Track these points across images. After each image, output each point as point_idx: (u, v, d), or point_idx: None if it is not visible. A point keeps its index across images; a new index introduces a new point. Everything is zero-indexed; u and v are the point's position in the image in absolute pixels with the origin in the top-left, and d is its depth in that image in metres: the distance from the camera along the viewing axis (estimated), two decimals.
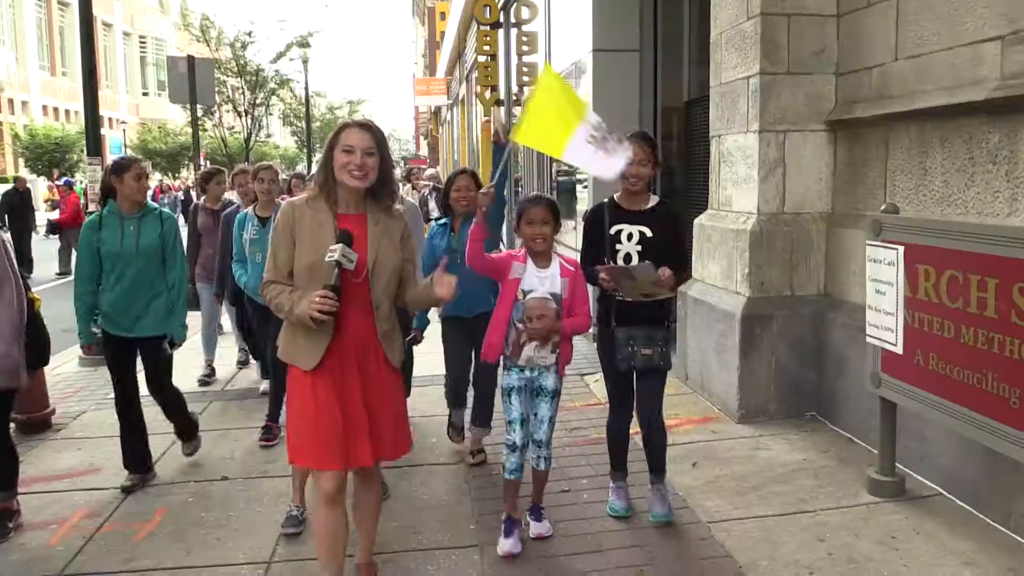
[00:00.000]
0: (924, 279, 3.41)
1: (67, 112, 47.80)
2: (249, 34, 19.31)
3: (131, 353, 4.47)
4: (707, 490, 4.04)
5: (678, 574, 3.30)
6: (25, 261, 14.23)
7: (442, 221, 4.56)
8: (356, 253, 2.76)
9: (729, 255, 5.20)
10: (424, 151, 57.04)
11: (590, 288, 3.62)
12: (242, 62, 19.66)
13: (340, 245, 2.72)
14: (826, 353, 4.85)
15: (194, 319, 5.80)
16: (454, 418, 4.79)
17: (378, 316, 2.89)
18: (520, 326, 3.41)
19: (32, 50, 45.44)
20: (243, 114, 20.13)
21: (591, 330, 4.21)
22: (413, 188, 13.12)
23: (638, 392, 3.71)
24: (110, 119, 52.61)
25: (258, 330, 5.40)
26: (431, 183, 10.88)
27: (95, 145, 7.62)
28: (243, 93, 20.01)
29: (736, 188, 5.25)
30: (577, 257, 3.80)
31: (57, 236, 14.97)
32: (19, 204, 15.43)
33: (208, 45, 19.38)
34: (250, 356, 6.78)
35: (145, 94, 58.82)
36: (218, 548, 3.67)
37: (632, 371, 3.64)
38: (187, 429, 4.79)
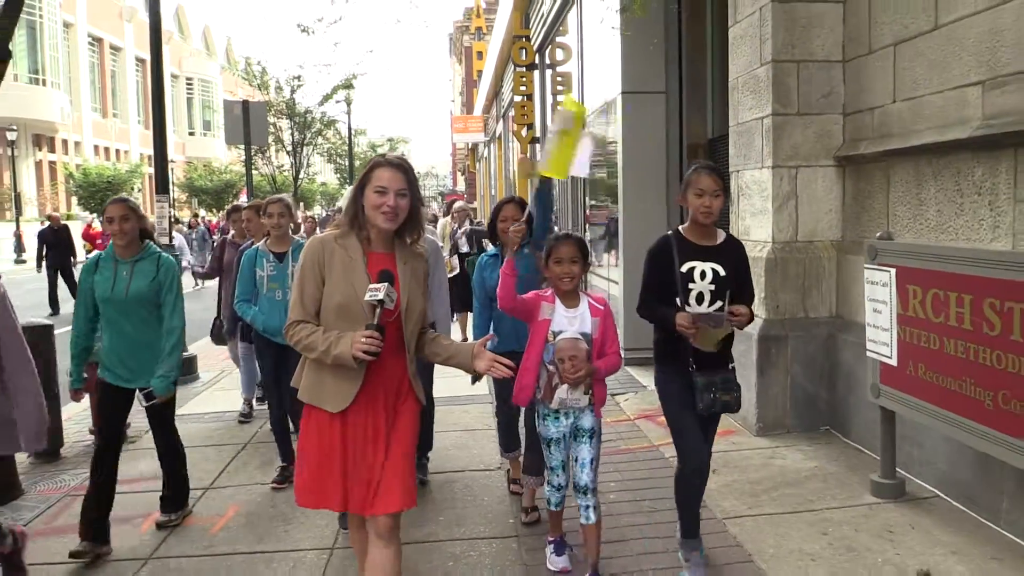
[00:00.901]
0: (913, 297, 3.82)
1: (117, 152, 49.61)
2: (298, 78, 20.30)
3: (124, 404, 4.23)
4: (724, 492, 4.44)
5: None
6: (52, 301, 14.72)
7: (491, 252, 4.45)
8: (396, 293, 2.73)
9: None
10: (461, 186, 57.98)
11: (641, 326, 3.57)
12: (292, 105, 20.60)
13: (385, 284, 2.67)
14: (837, 371, 5.24)
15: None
16: (508, 456, 4.65)
17: (409, 357, 2.86)
18: (552, 368, 3.34)
19: (86, 93, 47.40)
20: (291, 153, 21.05)
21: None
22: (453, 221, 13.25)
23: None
24: None
25: (265, 369, 5.17)
26: (458, 218, 10.64)
27: (163, 183, 8.27)
28: (292, 134, 20.93)
29: (753, 219, 5.69)
30: (611, 289, 3.96)
31: None
32: (54, 242, 15.34)
33: (260, 90, 20.37)
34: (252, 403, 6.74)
35: (191, 133, 60.90)
36: (286, 538, 4.16)
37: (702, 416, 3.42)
38: (174, 493, 4.47)
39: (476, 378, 4.25)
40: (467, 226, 10.32)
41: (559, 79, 13.19)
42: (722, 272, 3.34)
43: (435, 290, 4.33)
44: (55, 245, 15.34)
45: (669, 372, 3.46)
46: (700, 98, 7.85)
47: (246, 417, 6.61)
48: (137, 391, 4.15)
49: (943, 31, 4.31)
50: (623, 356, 4.00)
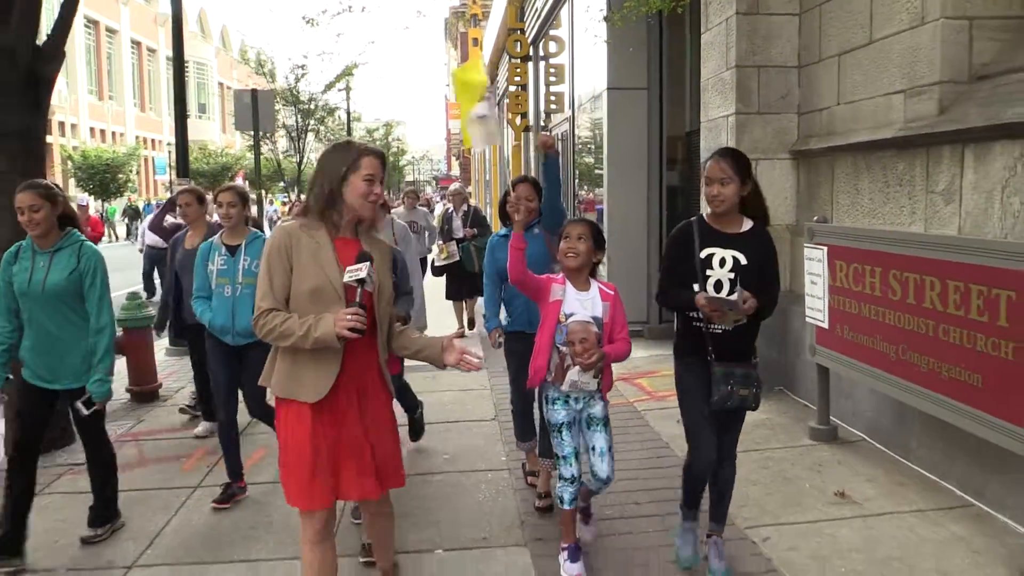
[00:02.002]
0: (839, 271, 4.59)
1: (113, 134, 49.91)
2: (303, 67, 20.96)
3: (45, 407, 3.90)
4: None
5: (659, 488, 4.45)
6: None
7: (502, 232, 4.38)
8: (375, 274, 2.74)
9: None
10: (456, 171, 58.51)
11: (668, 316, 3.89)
12: (296, 92, 21.27)
13: (367, 264, 2.67)
14: (788, 338, 6.00)
15: None
16: (522, 447, 4.54)
17: (379, 342, 2.83)
18: (564, 349, 3.32)
19: (82, 75, 47.62)
20: (294, 139, 21.74)
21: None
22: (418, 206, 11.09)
23: (720, 429, 3.42)
24: (154, 140, 54.91)
25: (216, 371, 4.64)
26: (454, 200, 9.94)
27: (184, 168, 8.98)
28: (296, 120, 21.61)
29: None
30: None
31: None
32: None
33: (268, 79, 21.01)
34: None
35: (187, 116, 61.30)
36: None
37: (717, 410, 3.33)
38: (103, 506, 4.15)
39: (496, 344, 4.37)
40: (464, 207, 9.70)
41: (552, 70, 13.87)
42: (743, 260, 3.23)
43: (405, 280, 4.29)
44: None
45: (687, 363, 3.40)
46: (679, 95, 8.59)
47: (192, 408, 6.31)
48: (79, 402, 3.83)
49: (876, 45, 5.05)
50: None
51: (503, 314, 4.39)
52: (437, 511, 4.27)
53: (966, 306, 3.53)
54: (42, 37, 5.58)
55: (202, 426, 5.82)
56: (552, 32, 13.66)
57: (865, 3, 5.13)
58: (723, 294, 3.21)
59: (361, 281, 2.65)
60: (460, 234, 9.35)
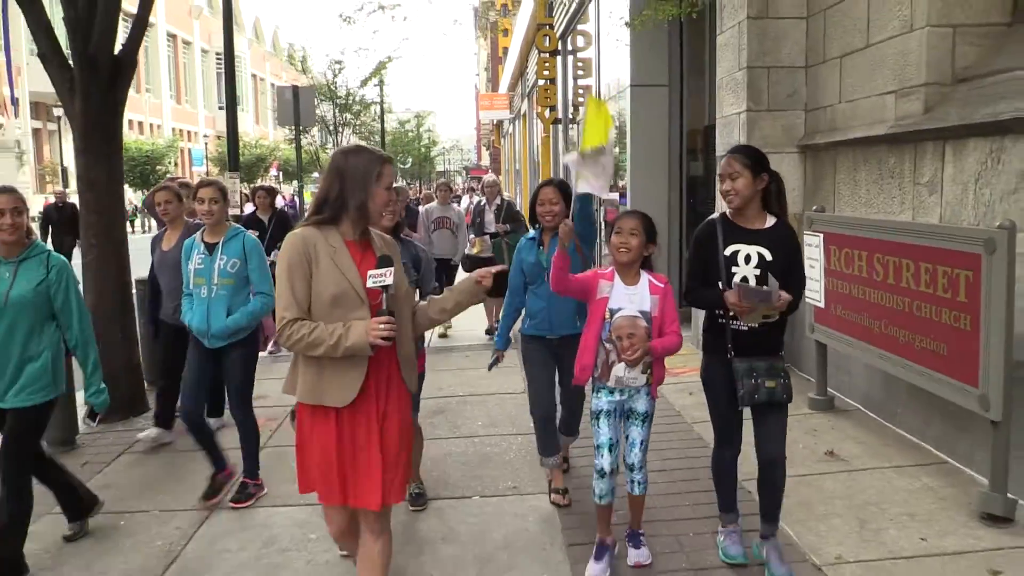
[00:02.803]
0: (834, 255, 5.10)
1: (151, 126, 51.11)
2: (339, 63, 21.72)
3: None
4: (696, 407, 5.75)
5: (672, 469, 4.95)
6: None
7: (530, 235, 4.35)
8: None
9: None
10: (486, 161, 59.05)
11: (695, 312, 3.78)
12: (334, 87, 22.03)
13: (391, 268, 2.67)
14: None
15: None
16: (546, 463, 4.33)
17: (401, 341, 2.78)
18: (609, 346, 3.34)
19: None
20: (332, 132, 22.52)
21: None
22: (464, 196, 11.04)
23: (761, 429, 3.42)
24: (189, 132, 56.10)
25: (190, 368, 4.54)
26: (488, 193, 9.53)
27: (235, 161, 9.64)
28: (334, 114, 22.39)
29: None
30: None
31: None
32: (58, 219, 13.99)
33: (306, 74, 21.80)
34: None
35: (220, 108, 62.01)
36: None
37: (748, 406, 3.35)
38: (73, 505, 4.05)
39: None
40: (498, 201, 9.32)
41: (580, 64, 14.35)
42: (768, 256, 3.25)
43: (429, 279, 4.19)
44: (59, 223, 13.92)
45: (713, 361, 3.44)
46: (699, 91, 9.07)
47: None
48: (85, 416, 3.86)
49: (872, 49, 5.52)
50: None
51: (522, 317, 4.33)
52: (476, 467, 4.88)
53: (934, 284, 4.04)
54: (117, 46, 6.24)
55: (149, 432, 5.44)
56: (580, 27, 14.13)
57: (863, 9, 5.60)
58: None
59: (386, 287, 2.66)
60: (492, 228, 9.08)
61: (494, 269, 2.84)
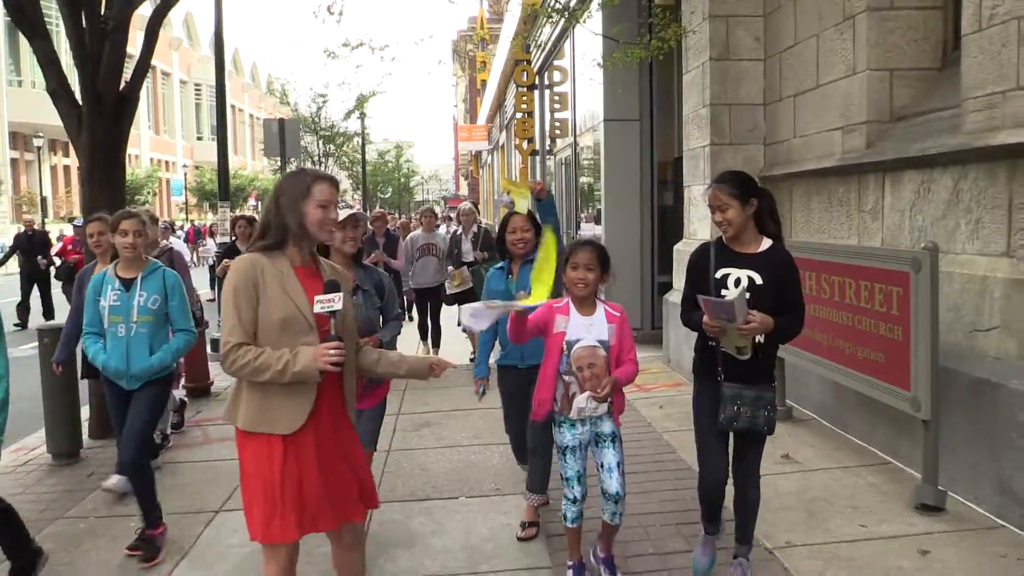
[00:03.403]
0: None
1: (130, 156, 51.12)
2: (323, 96, 22.30)
3: None
4: (665, 418, 6.19)
5: (641, 472, 5.41)
6: (21, 310, 13.70)
7: (499, 265, 4.33)
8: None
9: None
10: (464, 191, 59.61)
11: (667, 332, 3.90)
12: (317, 120, 22.58)
13: (339, 294, 2.66)
14: None
15: None
16: (526, 476, 4.36)
17: (347, 369, 2.78)
18: (568, 378, 3.35)
19: None
20: (316, 163, 23.01)
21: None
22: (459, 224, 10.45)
23: (736, 451, 3.45)
24: (168, 162, 56.29)
25: (115, 418, 4.42)
26: (464, 221, 9.15)
27: (226, 191, 10.04)
28: (318, 145, 22.89)
29: (699, 223, 7.44)
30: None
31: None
32: (29, 248, 13.91)
33: (286, 105, 22.34)
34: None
35: (199, 138, 62.27)
36: None
37: (727, 430, 3.34)
38: (16, 557, 3.70)
39: (482, 394, 4.30)
40: (474, 229, 8.99)
41: (556, 98, 14.92)
42: (758, 280, 3.25)
43: (391, 305, 4.10)
44: (29, 251, 13.92)
45: (702, 384, 3.44)
46: (668, 125, 9.63)
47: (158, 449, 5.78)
48: None
49: (821, 89, 6.06)
50: None
51: (495, 349, 4.37)
52: (463, 472, 5.26)
53: (872, 300, 4.52)
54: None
55: (114, 479, 4.97)
56: (556, 63, 14.73)
57: (813, 53, 6.15)
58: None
59: (334, 312, 2.66)
60: (470, 257, 8.79)
61: (449, 366, 2.96)
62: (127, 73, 6.68)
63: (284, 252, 2.75)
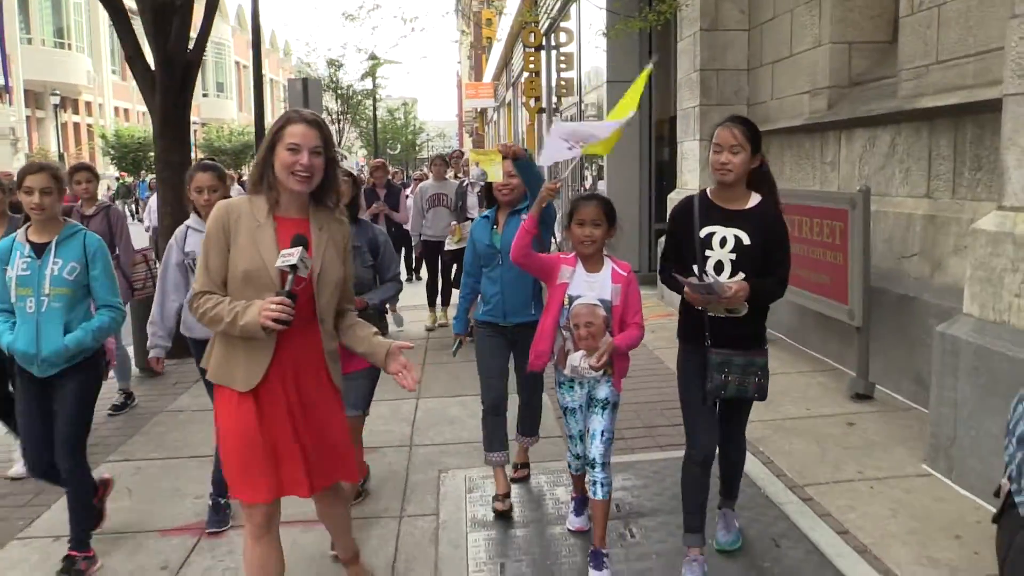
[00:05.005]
0: None
1: (138, 113, 51.78)
2: (342, 58, 23.23)
3: None
4: (655, 339, 7.30)
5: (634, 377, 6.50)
6: None
7: (485, 214, 4.05)
8: (310, 259, 2.52)
9: None
10: (468, 147, 60.13)
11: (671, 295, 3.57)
12: (336, 80, 23.46)
13: (299, 248, 2.46)
14: None
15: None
16: (490, 459, 3.98)
17: (324, 331, 2.65)
18: (566, 333, 3.21)
19: (106, 57, 49.30)
20: (334, 122, 23.96)
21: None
22: (456, 176, 10.57)
23: (721, 414, 3.26)
24: None
25: (22, 409, 3.57)
26: (471, 179, 8.73)
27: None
28: (336, 103, 23.79)
29: (690, 174, 8.47)
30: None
31: None
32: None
33: (308, 67, 23.24)
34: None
35: (205, 95, 62.61)
36: None
37: (714, 399, 3.13)
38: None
39: (458, 347, 4.06)
40: (482, 183, 7.49)
41: (562, 58, 15.76)
42: (746, 240, 3.01)
43: (387, 266, 3.91)
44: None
45: (688, 350, 3.20)
46: (665, 86, 10.60)
47: (117, 409, 5.64)
48: None
49: (793, 58, 7.05)
50: None
51: (478, 302, 4.08)
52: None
53: (821, 233, 5.59)
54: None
55: (17, 467, 4.50)
56: (563, 24, 15.56)
57: (787, 27, 7.13)
58: (723, 276, 3.02)
59: (293, 268, 2.45)
60: (475, 213, 7.94)
61: (410, 379, 2.62)
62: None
63: (268, 200, 2.58)
